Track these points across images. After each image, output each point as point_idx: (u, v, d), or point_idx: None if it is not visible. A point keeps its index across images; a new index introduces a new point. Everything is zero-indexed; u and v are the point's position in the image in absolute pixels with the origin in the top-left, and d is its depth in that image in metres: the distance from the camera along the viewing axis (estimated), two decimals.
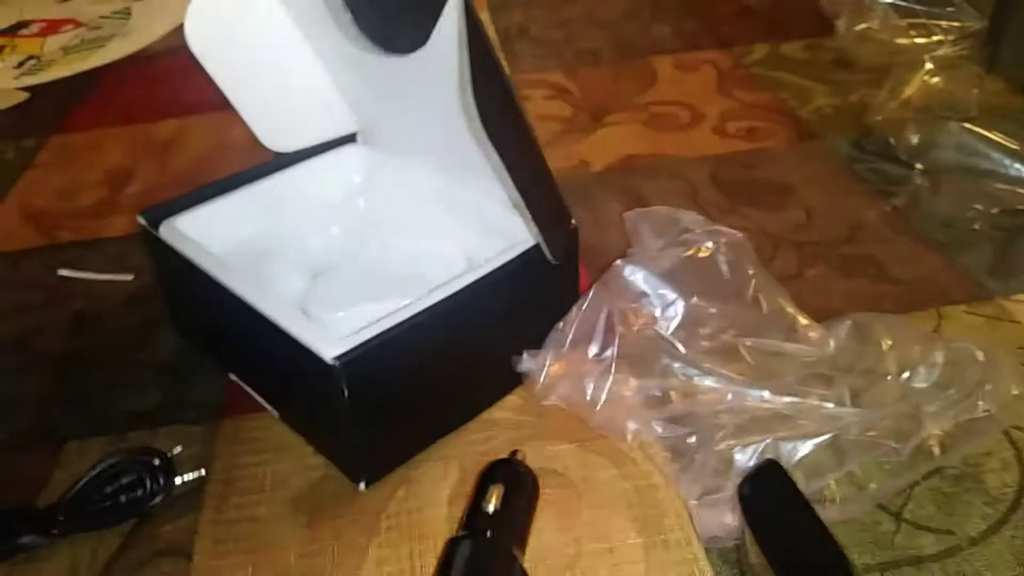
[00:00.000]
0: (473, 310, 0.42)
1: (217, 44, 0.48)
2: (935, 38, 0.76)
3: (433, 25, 0.33)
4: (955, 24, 0.76)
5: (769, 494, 0.33)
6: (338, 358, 0.37)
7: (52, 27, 1.11)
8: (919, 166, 0.63)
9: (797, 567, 0.30)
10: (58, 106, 0.87)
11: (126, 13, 1.13)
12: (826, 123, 0.71)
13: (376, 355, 0.38)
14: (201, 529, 0.40)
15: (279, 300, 0.42)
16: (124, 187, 0.70)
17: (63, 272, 0.60)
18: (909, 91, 0.70)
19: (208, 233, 0.48)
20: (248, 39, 0.50)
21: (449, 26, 0.37)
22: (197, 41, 0.47)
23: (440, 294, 0.41)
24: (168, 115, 0.82)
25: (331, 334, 0.39)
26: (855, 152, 0.67)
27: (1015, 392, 0.38)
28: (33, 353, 0.53)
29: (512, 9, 0.99)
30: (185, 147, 0.76)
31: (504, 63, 0.85)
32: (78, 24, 1.11)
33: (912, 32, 0.76)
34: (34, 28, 1.12)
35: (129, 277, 0.58)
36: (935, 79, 0.70)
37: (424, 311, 0.40)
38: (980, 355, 0.39)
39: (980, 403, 0.37)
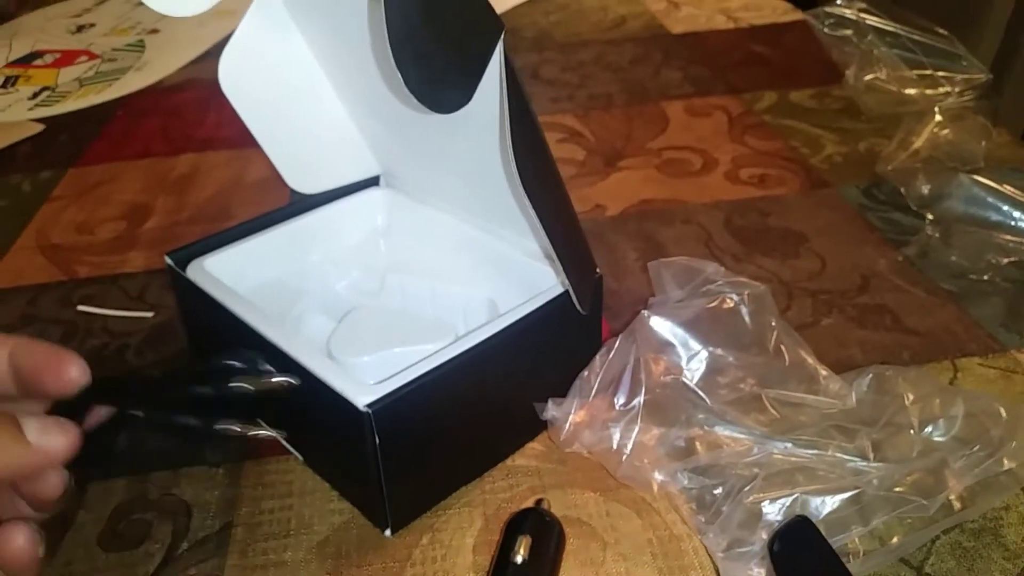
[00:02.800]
0: (500, 358, 0.43)
1: (249, 86, 0.49)
2: (941, 90, 0.78)
3: (476, 86, 0.34)
4: (961, 76, 0.78)
5: (801, 551, 0.33)
6: (370, 405, 0.37)
7: (66, 58, 1.13)
8: (930, 216, 0.64)
9: None
10: (74, 138, 0.87)
11: (140, 46, 1.14)
12: (836, 171, 0.72)
13: (406, 403, 0.38)
14: (227, 574, 0.40)
15: (308, 345, 0.42)
16: (142, 222, 0.71)
17: (82, 308, 0.60)
18: (918, 142, 0.71)
19: (235, 274, 0.48)
20: (279, 83, 0.51)
21: (484, 82, 0.38)
22: (230, 83, 0.48)
23: (468, 342, 0.41)
24: (184, 150, 0.83)
25: (360, 380, 0.39)
26: (866, 200, 0.68)
27: (1010, 464, 0.39)
28: None
29: (525, 52, 1.01)
30: (202, 183, 0.77)
31: None
32: (92, 56, 1.13)
33: (919, 83, 0.78)
34: (48, 59, 1.13)
35: (149, 314, 0.59)
36: (944, 131, 0.71)
37: (452, 359, 0.40)
38: (1003, 412, 0.40)
39: (1005, 460, 0.38)
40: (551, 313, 0.44)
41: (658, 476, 0.41)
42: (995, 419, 0.40)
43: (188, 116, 0.91)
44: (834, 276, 0.59)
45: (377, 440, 0.38)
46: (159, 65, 1.07)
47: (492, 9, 0.34)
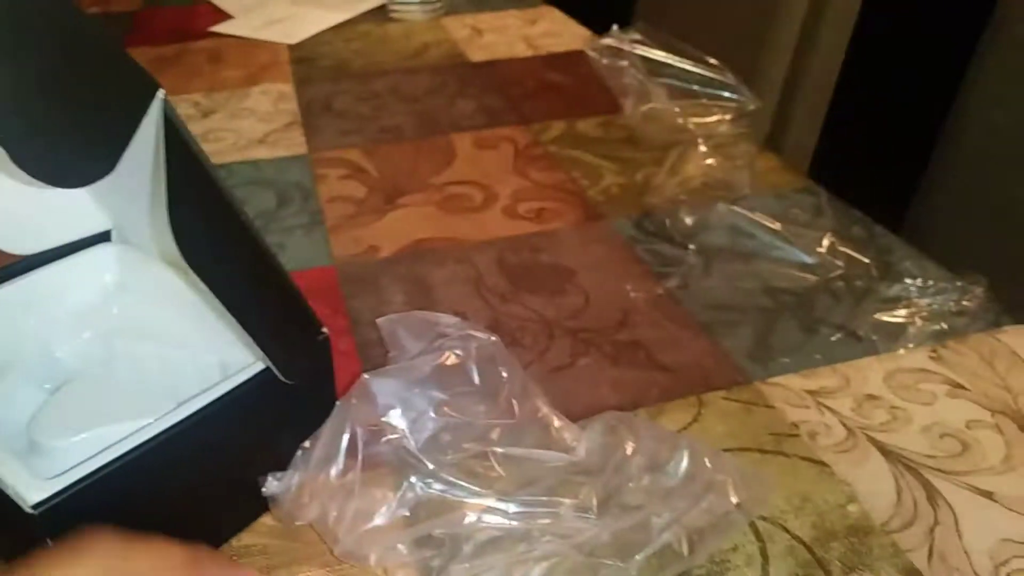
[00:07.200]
0: (209, 433, 0.40)
1: None
2: (714, 118, 0.80)
3: (119, 154, 0.31)
4: (732, 104, 0.81)
5: None
6: (37, 506, 0.34)
7: None
8: (692, 247, 0.66)
9: None
10: None
11: None
12: (612, 203, 0.73)
13: (90, 496, 0.35)
14: None
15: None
16: None
17: None
18: (687, 171, 0.73)
19: None
20: None
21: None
22: None
23: (169, 420, 0.39)
24: None
25: (43, 472, 0.35)
26: (636, 232, 0.69)
27: (735, 500, 0.39)
28: None
29: (320, 82, 0.98)
30: None
31: (303, 140, 0.84)
32: None
33: (692, 112, 0.80)
34: None
35: None
36: (710, 159, 0.73)
37: (144, 444, 0.37)
38: (707, 462, 0.40)
39: (731, 496, 0.39)
40: (267, 382, 0.42)
41: (376, 551, 0.39)
42: (702, 468, 0.40)
43: None
44: (596, 313, 0.59)
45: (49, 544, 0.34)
46: None
47: (141, 69, 0.32)
